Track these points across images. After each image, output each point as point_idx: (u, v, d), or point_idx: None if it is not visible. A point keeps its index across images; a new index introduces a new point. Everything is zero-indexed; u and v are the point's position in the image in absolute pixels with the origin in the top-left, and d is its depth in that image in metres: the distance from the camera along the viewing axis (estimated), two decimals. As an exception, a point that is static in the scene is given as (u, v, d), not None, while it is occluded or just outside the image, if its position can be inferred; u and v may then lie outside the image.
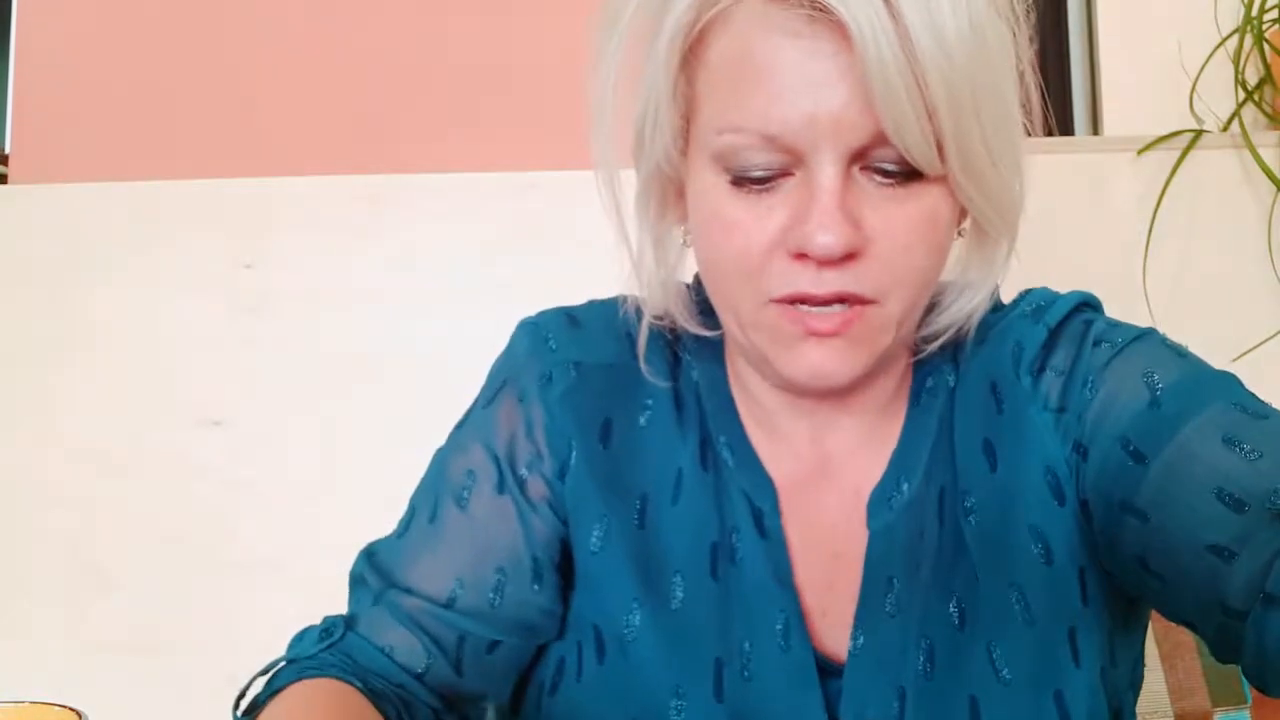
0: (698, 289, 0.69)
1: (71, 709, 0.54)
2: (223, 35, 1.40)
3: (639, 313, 0.68)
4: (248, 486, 1.29)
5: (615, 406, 0.69)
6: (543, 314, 0.73)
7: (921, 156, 0.55)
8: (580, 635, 0.67)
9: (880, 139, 0.55)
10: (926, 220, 0.58)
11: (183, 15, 1.40)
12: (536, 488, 0.67)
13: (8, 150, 1.39)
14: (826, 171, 0.55)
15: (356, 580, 0.69)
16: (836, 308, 0.57)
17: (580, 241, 1.29)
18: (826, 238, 0.55)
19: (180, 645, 1.27)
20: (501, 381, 0.71)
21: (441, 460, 0.71)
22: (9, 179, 1.37)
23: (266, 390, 1.31)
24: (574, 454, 0.67)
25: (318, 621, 0.69)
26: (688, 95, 0.60)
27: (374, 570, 0.68)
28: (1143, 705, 0.68)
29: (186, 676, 1.25)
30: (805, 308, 0.57)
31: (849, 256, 0.56)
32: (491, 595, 0.66)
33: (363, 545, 0.72)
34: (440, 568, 0.66)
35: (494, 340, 0.74)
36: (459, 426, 0.72)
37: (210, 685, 1.24)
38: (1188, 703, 1.02)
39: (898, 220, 0.57)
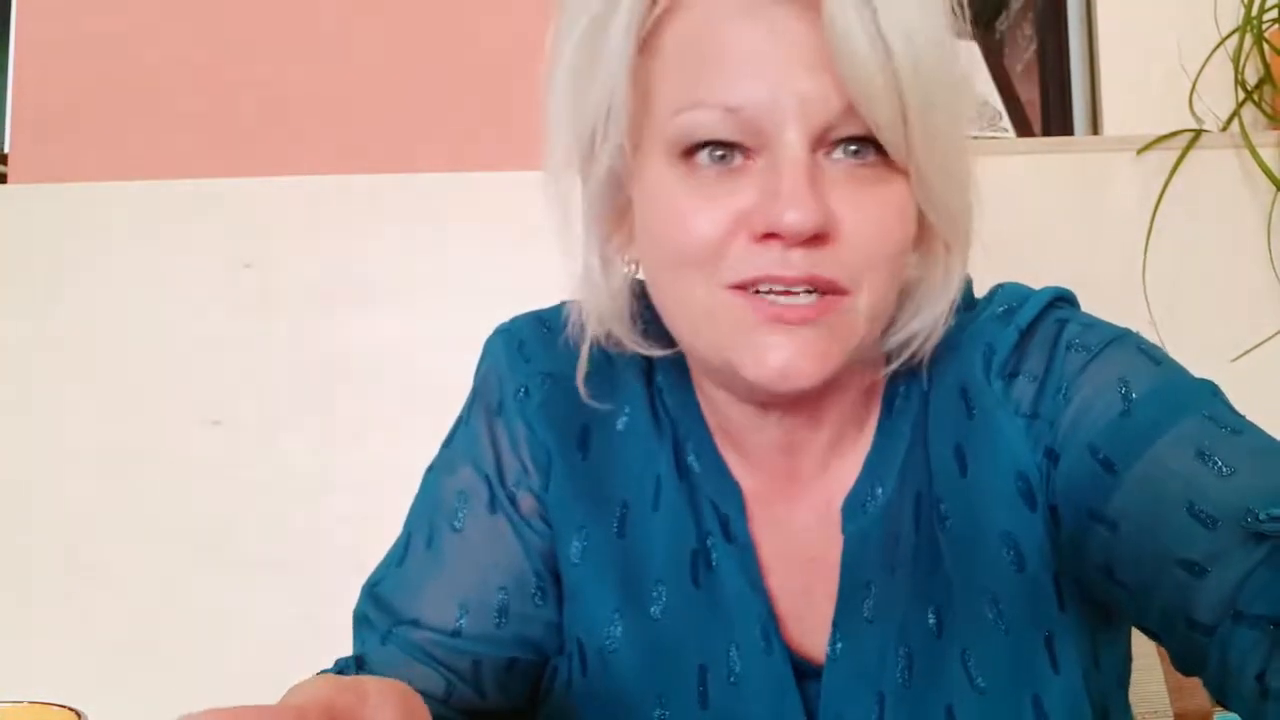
0: (644, 315, 0.66)
1: (71, 709, 0.54)
2: (223, 35, 1.40)
3: (582, 330, 0.66)
4: (248, 486, 1.29)
5: (592, 413, 0.68)
6: (515, 321, 0.72)
7: (889, 130, 0.54)
8: (569, 647, 0.67)
9: (846, 116, 0.54)
10: (894, 207, 0.57)
11: (183, 15, 1.40)
12: (527, 503, 0.67)
13: (7, 150, 1.39)
14: (793, 148, 0.54)
15: (360, 620, 0.68)
16: (805, 298, 0.55)
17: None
18: (796, 214, 0.53)
19: (180, 645, 1.27)
20: (481, 397, 0.70)
21: (432, 481, 0.70)
22: (9, 179, 1.37)
23: (266, 390, 1.31)
24: (554, 466, 0.67)
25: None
26: (641, 87, 0.58)
27: (378, 608, 0.67)
28: (1143, 705, 0.68)
29: (186, 676, 1.25)
30: (769, 296, 0.55)
31: (819, 239, 0.54)
32: (496, 617, 0.65)
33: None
34: (443, 596, 0.66)
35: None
36: (446, 444, 0.71)
37: (210, 685, 1.24)
38: (1188, 703, 1.02)
39: (867, 205, 0.56)
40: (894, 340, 0.64)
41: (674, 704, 0.63)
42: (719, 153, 0.56)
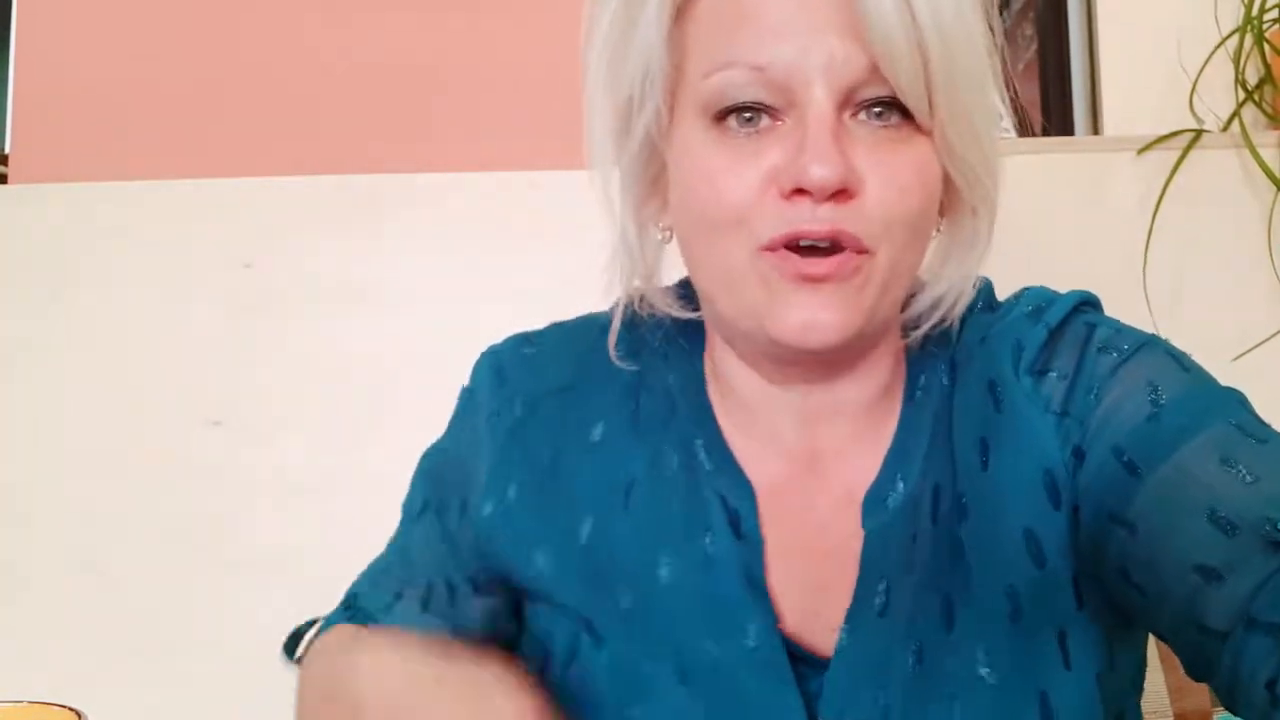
0: (679, 284, 0.70)
1: (71, 709, 0.54)
2: (223, 35, 1.40)
3: (607, 322, 0.69)
4: (248, 486, 1.29)
5: (566, 433, 0.69)
6: (502, 343, 0.74)
7: (912, 91, 0.56)
8: (541, 650, 0.67)
9: (871, 77, 0.56)
10: (918, 167, 0.58)
11: (183, 15, 1.40)
12: (473, 526, 0.69)
13: (8, 150, 1.39)
14: (819, 106, 0.56)
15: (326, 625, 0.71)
16: (826, 257, 0.57)
17: (580, 241, 1.29)
18: (822, 168, 0.54)
19: (180, 645, 1.27)
20: (460, 417, 0.73)
21: (411, 486, 0.74)
22: (9, 179, 1.37)
23: (266, 390, 1.31)
24: (513, 489, 0.68)
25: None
26: (677, 55, 0.60)
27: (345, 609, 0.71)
28: (1143, 705, 0.67)
29: (186, 676, 1.25)
30: (796, 255, 0.57)
31: (844, 193, 0.56)
32: (420, 606, 0.69)
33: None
34: (385, 588, 0.70)
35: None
36: (425, 455, 0.74)
37: (210, 685, 1.24)
38: (1187, 702, 1.02)
39: (890, 165, 0.57)
40: (920, 304, 0.65)
41: (653, 701, 0.63)
42: (747, 115, 0.58)
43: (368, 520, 0.73)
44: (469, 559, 0.69)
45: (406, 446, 0.74)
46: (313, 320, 1.32)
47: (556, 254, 1.30)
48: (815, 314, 0.57)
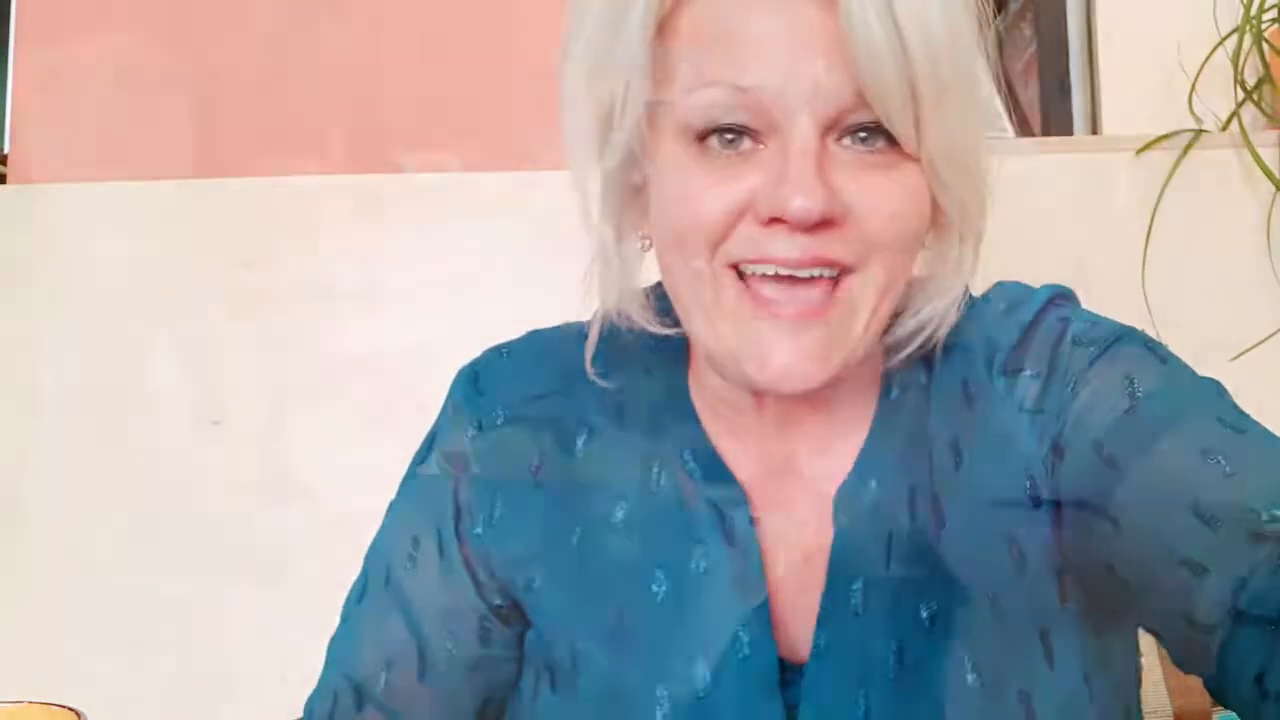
0: (658, 294, 0.68)
1: (71, 709, 0.54)
2: (222, 35, 1.40)
3: (586, 330, 0.68)
4: (248, 486, 1.29)
5: (548, 441, 0.68)
6: (479, 356, 0.72)
7: (900, 121, 0.54)
8: (533, 666, 0.67)
9: (857, 105, 0.54)
10: (909, 194, 0.57)
11: (183, 15, 1.40)
12: (469, 546, 0.68)
13: (7, 150, 1.39)
14: (803, 134, 0.54)
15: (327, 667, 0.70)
16: (805, 291, 0.55)
17: (581, 242, 1.29)
18: (803, 200, 0.53)
19: (180, 645, 1.27)
20: (436, 436, 0.71)
21: (391, 519, 0.72)
22: (9, 179, 1.37)
23: (266, 390, 1.31)
24: (499, 504, 0.67)
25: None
26: (658, 69, 0.58)
27: (341, 676, 0.69)
28: (1143, 705, 0.67)
29: (186, 676, 1.25)
30: (771, 289, 0.56)
31: (826, 223, 0.54)
32: (449, 647, 0.67)
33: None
34: (396, 639, 0.68)
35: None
36: (405, 481, 0.72)
37: (210, 685, 1.24)
38: (1187, 702, 1.02)
39: (877, 189, 0.56)
40: (904, 328, 0.63)
41: (641, 712, 0.62)
42: (729, 136, 0.56)
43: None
44: (487, 585, 0.68)
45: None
46: (313, 320, 1.32)
47: (556, 254, 1.30)
48: (794, 362, 0.56)
